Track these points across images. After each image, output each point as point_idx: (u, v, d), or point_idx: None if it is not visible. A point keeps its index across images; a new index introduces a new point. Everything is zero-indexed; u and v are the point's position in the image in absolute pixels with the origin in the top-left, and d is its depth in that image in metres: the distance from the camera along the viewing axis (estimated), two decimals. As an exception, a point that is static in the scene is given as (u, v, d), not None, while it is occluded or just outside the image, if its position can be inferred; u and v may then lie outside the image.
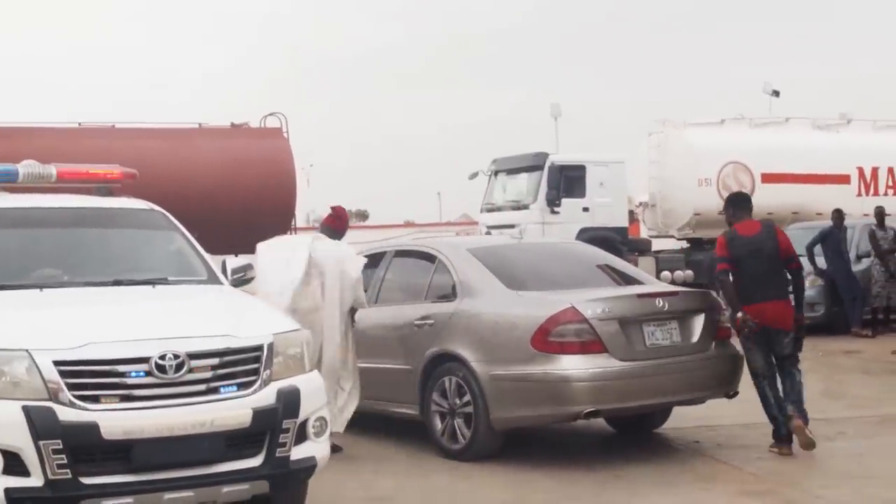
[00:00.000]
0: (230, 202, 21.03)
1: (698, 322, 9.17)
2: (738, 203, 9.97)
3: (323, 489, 7.51)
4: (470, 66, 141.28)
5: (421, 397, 9.47)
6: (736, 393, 9.47)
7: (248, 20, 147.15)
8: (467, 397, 9.06)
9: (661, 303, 9.05)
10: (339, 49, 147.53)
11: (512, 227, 23.60)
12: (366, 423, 10.00)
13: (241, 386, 6.35)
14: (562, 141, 27.56)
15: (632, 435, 10.06)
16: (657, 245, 27.26)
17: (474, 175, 27.03)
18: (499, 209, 26.04)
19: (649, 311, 8.97)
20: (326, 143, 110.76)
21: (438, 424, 9.34)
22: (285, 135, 22.85)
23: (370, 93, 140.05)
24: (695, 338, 9.12)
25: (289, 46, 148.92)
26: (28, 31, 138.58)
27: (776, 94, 30.37)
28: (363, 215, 74.64)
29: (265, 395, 6.38)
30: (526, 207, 25.03)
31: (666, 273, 24.50)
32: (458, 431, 9.16)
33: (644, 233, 28.16)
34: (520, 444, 9.32)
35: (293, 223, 23.13)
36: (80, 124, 21.88)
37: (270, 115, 23.10)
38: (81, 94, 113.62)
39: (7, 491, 5.82)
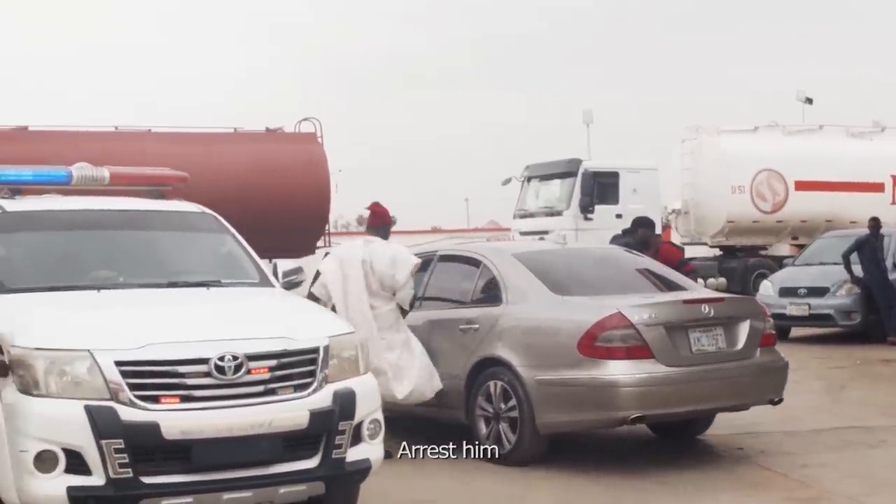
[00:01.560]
0: (264, 207, 21.05)
1: (743, 328, 9.18)
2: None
3: (368, 491, 7.52)
4: (497, 70, 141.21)
5: (466, 401, 9.50)
6: (781, 400, 9.49)
7: (268, 23, 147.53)
8: (512, 401, 9.09)
9: (707, 309, 9.07)
10: (364, 52, 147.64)
11: (545, 233, 23.70)
12: (409, 426, 10.04)
13: (297, 388, 6.41)
14: (582, 146, 27.67)
15: (673, 441, 10.07)
16: (689, 252, 27.19)
17: (507, 181, 27.12)
18: (532, 215, 26.12)
19: (695, 316, 8.99)
20: (352, 147, 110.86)
21: (483, 428, 9.37)
22: (319, 140, 22.91)
23: (395, 96, 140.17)
24: (740, 344, 9.14)
25: (312, 49, 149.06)
26: (48, 34, 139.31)
27: (809, 101, 30.35)
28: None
29: (322, 397, 6.44)
30: (559, 214, 25.13)
31: (699, 280, 24.45)
32: (503, 435, 9.20)
33: (676, 240, 28.13)
34: (562, 449, 9.34)
35: (327, 228, 23.22)
36: (116, 128, 21.99)
37: (305, 119, 23.16)
38: (104, 98, 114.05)
39: (69, 489, 5.90)
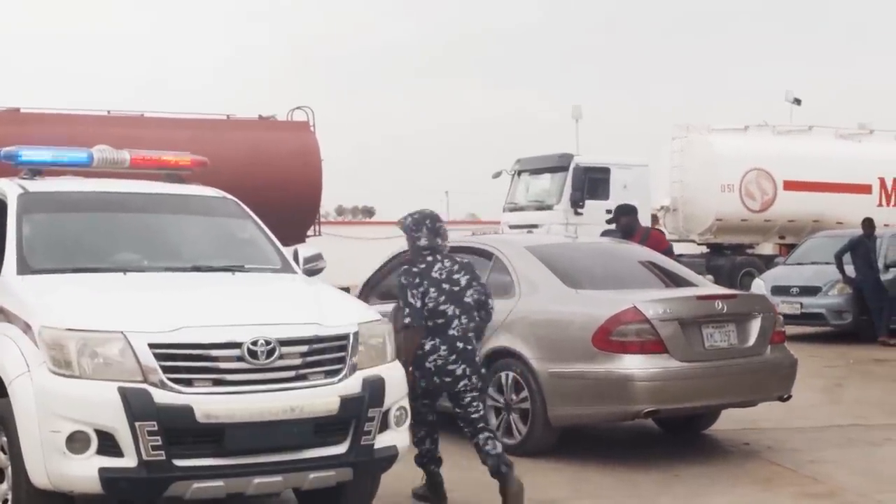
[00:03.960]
0: (256, 195, 20.80)
1: (755, 325, 9.24)
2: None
3: (388, 479, 7.51)
4: (486, 64, 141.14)
5: (476, 392, 9.49)
6: (790, 396, 9.57)
7: (251, 13, 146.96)
8: (524, 393, 9.12)
9: (720, 305, 9.12)
10: (346, 44, 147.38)
11: (535, 227, 23.74)
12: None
13: (328, 373, 6.39)
14: (571, 143, 27.70)
15: (679, 435, 10.11)
16: (677, 249, 27.29)
17: (498, 174, 27.14)
18: (521, 209, 26.13)
19: (708, 312, 9.04)
20: (331, 138, 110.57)
21: (493, 420, 9.37)
22: (312, 129, 22.85)
23: (377, 88, 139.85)
24: (751, 340, 9.20)
25: (294, 40, 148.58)
26: (37, 18, 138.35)
27: (798, 102, 30.49)
28: (369, 212, 74.69)
29: (352, 384, 6.42)
30: (549, 208, 25.17)
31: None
32: (514, 427, 9.22)
33: (664, 237, 28.23)
34: (569, 442, 9.35)
35: (317, 217, 23.18)
36: (108, 112, 21.87)
37: (298, 108, 23.09)
38: (94, 82, 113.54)
39: (101, 471, 5.86)
